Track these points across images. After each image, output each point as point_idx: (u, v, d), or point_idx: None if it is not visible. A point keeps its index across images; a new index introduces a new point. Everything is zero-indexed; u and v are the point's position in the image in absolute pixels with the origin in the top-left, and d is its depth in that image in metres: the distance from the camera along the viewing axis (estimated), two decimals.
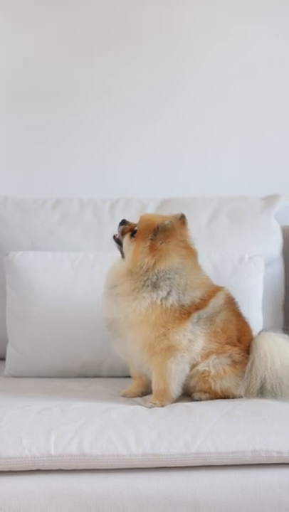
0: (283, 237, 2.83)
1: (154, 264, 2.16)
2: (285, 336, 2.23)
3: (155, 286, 2.16)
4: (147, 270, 2.16)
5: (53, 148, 3.11)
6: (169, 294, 2.15)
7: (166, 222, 2.17)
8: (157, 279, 2.16)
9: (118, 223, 2.29)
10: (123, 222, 2.28)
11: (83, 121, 3.09)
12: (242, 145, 3.11)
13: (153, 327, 2.14)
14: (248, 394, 2.14)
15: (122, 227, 2.27)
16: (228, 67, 3.08)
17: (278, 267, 2.81)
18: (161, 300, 2.15)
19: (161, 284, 2.16)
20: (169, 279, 2.16)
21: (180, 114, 3.10)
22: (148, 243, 2.17)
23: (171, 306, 2.15)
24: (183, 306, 2.16)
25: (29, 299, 2.57)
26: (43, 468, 1.86)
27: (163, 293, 2.15)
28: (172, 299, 2.15)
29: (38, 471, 1.86)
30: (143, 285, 2.16)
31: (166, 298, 2.15)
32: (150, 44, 3.08)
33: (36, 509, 1.83)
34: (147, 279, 2.16)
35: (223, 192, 2.94)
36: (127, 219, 2.29)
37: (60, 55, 3.09)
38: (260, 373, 2.14)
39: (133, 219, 2.29)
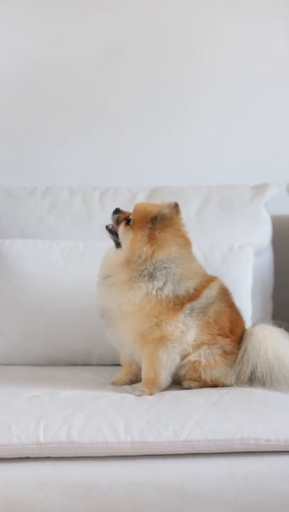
0: (273, 227, 2.83)
1: (153, 253, 2.15)
2: (279, 328, 2.24)
3: (152, 276, 2.15)
4: (145, 260, 2.15)
5: (53, 147, 3.10)
6: (164, 284, 2.14)
7: (165, 212, 2.16)
8: (154, 269, 2.15)
9: (111, 212, 2.26)
10: (117, 211, 2.25)
11: (83, 121, 3.08)
12: (237, 136, 3.11)
13: (146, 317, 2.14)
14: (237, 381, 2.15)
15: (116, 215, 2.24)
16: (228, 67, 3.08)
17: (268, 257, 2.81)
18: (156, 291, 2.14)
19: (158, 274, 2.14)
20: (165, 268, 2.15)
21: (180, 113, 3.09)
22: (146, 232, 2.15)
23: (166, 297, 2.14)
24: (177, 296, 2.15)
25: (18, 287, 2.56)
26: (31, 456, 1.86)
27: (159, 283, 2.14)
28: (167, 290, 2.15)
29: (27, 458, 1.87)
30: (140, 275, 2.15)
31: (161, 289, 2.14)
32: (150, 44, 3.06)
33: (25, 497, 1.83)
34: (145, 268, 2.15)
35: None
36: (118, 207, 2.27)
37: (60, 54, 3.07)
38: (251, 360, 2.15)
39: (123, 207, 2.28)
